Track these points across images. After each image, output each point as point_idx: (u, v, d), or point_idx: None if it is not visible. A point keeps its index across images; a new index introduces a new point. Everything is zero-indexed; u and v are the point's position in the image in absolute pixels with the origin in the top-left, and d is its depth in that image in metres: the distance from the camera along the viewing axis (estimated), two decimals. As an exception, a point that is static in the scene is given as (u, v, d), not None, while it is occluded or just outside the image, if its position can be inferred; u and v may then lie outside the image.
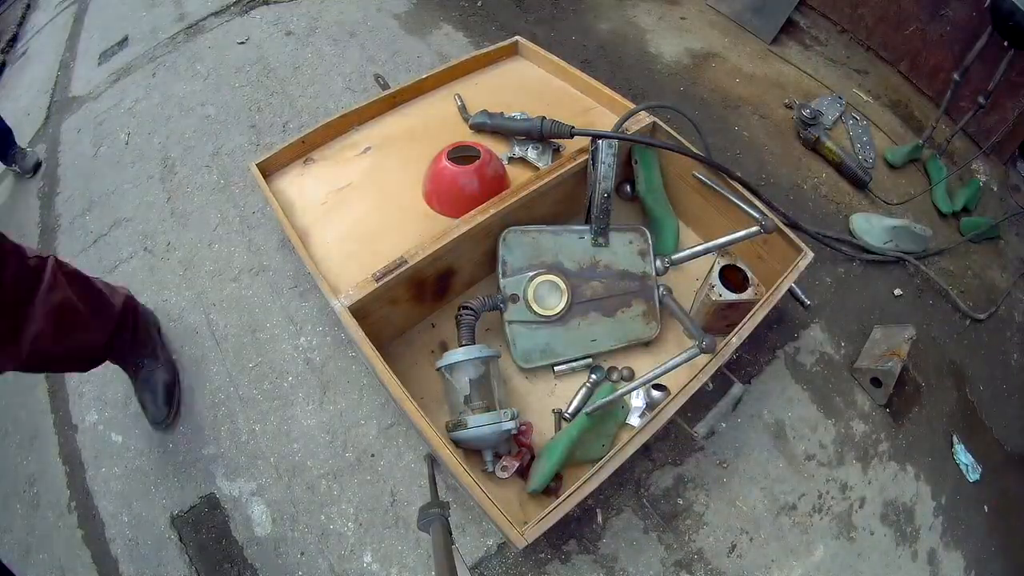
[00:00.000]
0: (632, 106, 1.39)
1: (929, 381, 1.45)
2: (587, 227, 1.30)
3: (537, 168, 1.35)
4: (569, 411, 1.21)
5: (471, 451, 1.16)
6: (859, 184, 1.77)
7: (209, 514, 1.23)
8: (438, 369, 1.17)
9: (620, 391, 1.07)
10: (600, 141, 1.23)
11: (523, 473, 1.14)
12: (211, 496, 1.25)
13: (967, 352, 1.55)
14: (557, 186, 1.30)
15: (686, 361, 1.01)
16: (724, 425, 1.30)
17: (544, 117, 1.31)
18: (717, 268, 1.25)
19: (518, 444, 1.15)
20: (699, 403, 1.24)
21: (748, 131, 1.87)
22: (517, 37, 1.63)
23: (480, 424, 1.07)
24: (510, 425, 1.08)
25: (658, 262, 1.31)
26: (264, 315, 1.48)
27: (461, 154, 1.28)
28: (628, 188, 1.49)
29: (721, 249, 1.29)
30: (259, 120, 1.95)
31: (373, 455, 1.25)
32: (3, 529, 1.33)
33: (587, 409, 1.11)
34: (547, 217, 1.33)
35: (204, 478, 1.27)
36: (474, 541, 1.15)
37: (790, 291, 1.43)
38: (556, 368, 1.28)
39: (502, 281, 1.24)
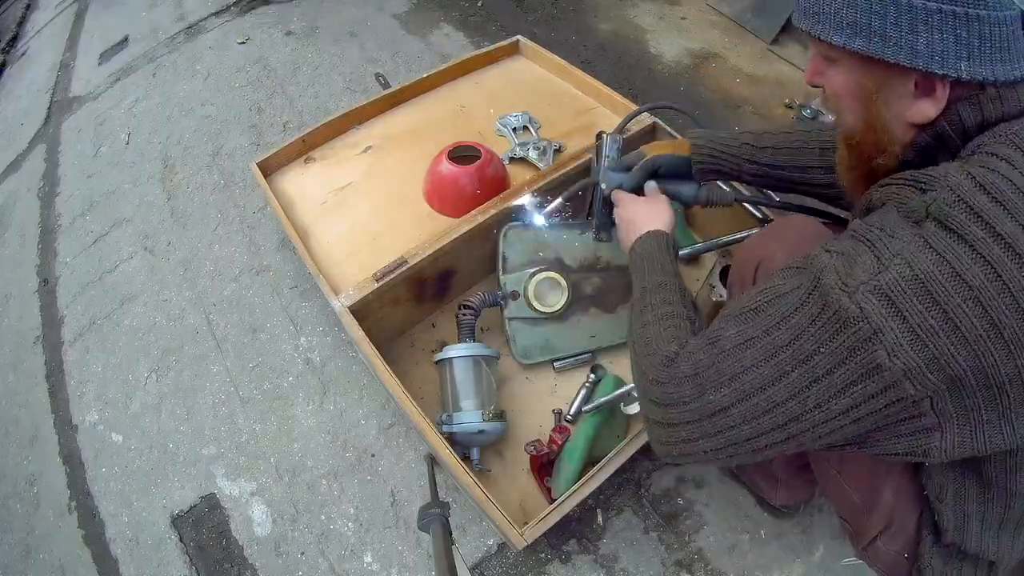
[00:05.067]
0: (634, 106, 1.39)
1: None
2: (588, 222, 1.29)
3: (538, 168, 1.35)
4: (571, 412, 1.21)
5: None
6: (859, 184, 1.77)
7: (209, 514, 1.23)
8: (436, 362, 1.17)
9: (627, 386, 1.08)
10: (604, 136, 1.23)
11: (540, 469, 1.14)
12: (211, 496, 1.25)
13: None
14: (558, 186, 1.30)
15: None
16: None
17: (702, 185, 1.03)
18: (717, 268, 1.25)
19: (552, 441, 1.16)
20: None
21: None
22: (518, 36, 1.63)
23: (463, 421, 1.08)
24: (490, 426, 1.08)
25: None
26: (264, 315, 1.48)
27: (461, 154, 1.29)
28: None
29: (721, 249, 1.29)
30: (259, 120, 1.95)
31: (373, 455, 1.25)
32: (3, 529, 1.33)
33: (595, 404, 1.12)
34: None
35: (204, 478, 1.27)
36: (474, 541, 1.15)
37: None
38: (556, 364, 1.28)
39: (502, 277, 1.24)
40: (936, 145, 0.58)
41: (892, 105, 0.58)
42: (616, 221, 0.97)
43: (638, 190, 1.00)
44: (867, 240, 0.52)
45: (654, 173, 1.00)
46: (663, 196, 0.95)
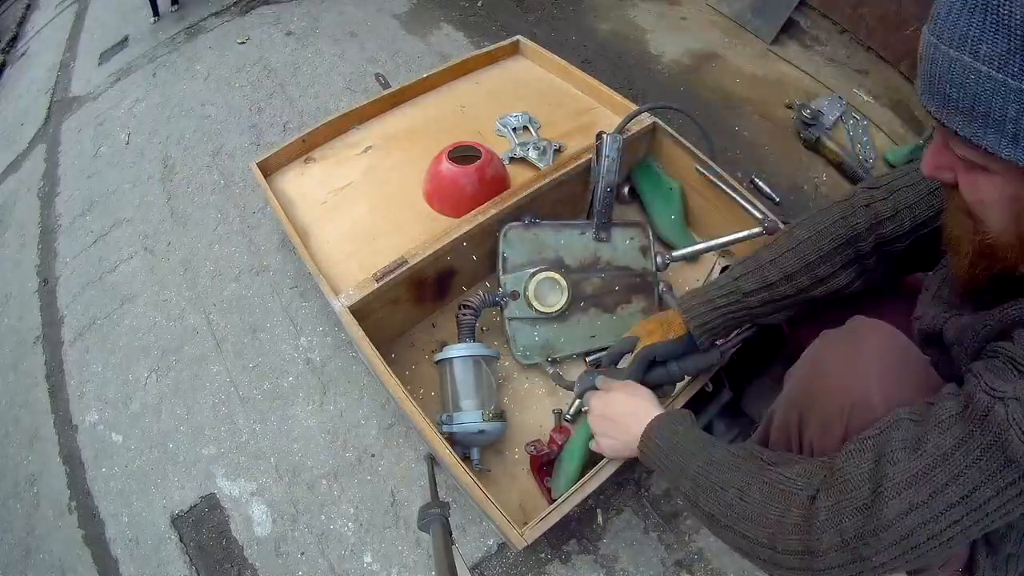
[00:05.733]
0: (634, 106, 1.39)
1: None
2: (589, 222, 1.30)
3: (538, 168, 1.35)
4: (570, 412, 1.21)
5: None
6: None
7: (209, 514, 1.23)
8: (436, 362, 1.17)
9: None
10: (605, 136, 1.23)
11: (540, 469, 1.14)
12: (211, 496, 1.25)
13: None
14: (558, 186, 1.30)
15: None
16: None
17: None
18: (718, 269, 1.25)
19: (552, 441, 1.16)
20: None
21: (748, 131, 1.87)
22: (518, 36, 1.63)
23: (463, 421, 1.08)
24: (490, 426, 1.08)
25: (659, 259, 1.31)
26: (264, 315, 1.48)
27: (461, 154, 1.28)
28: (627, 191, 1.49)
29: (722, 249, 1.29)
30: (259, 120, 1.95)
31: (373, 455, 1.25)
32: (3, 529, 1.33)
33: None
34: (548, 217, 1.34)
35: (204, 478, 1.27)
36: (474, 541, 1.15)
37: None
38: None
39: (502, 277, 1.24)
40: None
41: None
42: (595, 424, 0.91)
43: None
44: None
45: (651, 362, 0.94)
46: (630, 382, 0.90)
